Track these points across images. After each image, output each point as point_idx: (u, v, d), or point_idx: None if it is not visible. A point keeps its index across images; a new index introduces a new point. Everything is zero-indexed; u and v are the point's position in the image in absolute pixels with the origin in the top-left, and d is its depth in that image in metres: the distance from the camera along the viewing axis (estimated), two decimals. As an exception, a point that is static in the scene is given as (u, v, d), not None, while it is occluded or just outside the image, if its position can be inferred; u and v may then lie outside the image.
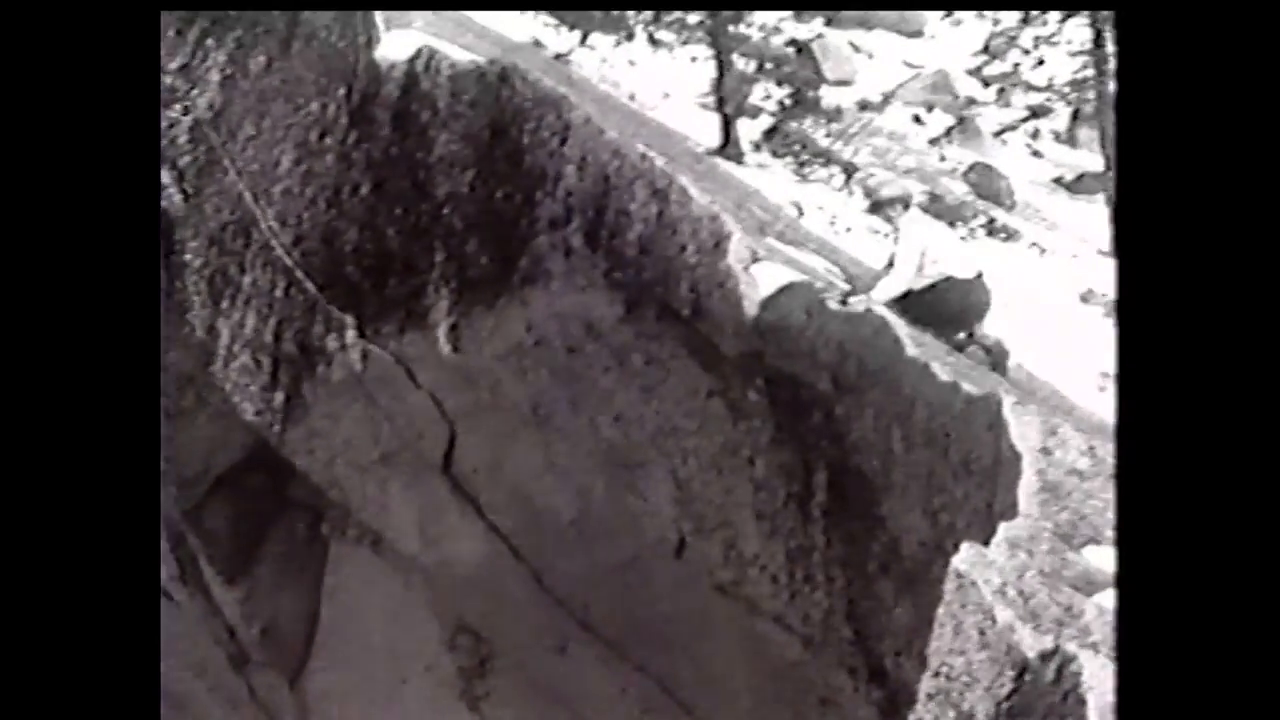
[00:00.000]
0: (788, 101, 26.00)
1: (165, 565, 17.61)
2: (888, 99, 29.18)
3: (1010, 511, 9.59)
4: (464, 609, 15.03)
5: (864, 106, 28.01)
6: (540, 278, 13.25)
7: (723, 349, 12.38)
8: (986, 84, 31.82)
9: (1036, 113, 31.24)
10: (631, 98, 22.12)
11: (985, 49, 31.63)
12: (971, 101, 30.79)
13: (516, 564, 14.26)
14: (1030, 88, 31.03)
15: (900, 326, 11.78)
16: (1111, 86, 23.80)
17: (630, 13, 24.65)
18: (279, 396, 15.02)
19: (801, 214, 19.78)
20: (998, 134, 30.26)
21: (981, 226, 23.58)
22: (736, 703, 12.98)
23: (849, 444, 11.76)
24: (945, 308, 12.75)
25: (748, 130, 23.35)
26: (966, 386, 10.90)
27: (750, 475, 12.39)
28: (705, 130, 21.99)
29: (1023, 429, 10.36)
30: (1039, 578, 8.53)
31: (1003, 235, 23.59)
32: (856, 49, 30.36)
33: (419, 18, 15.01)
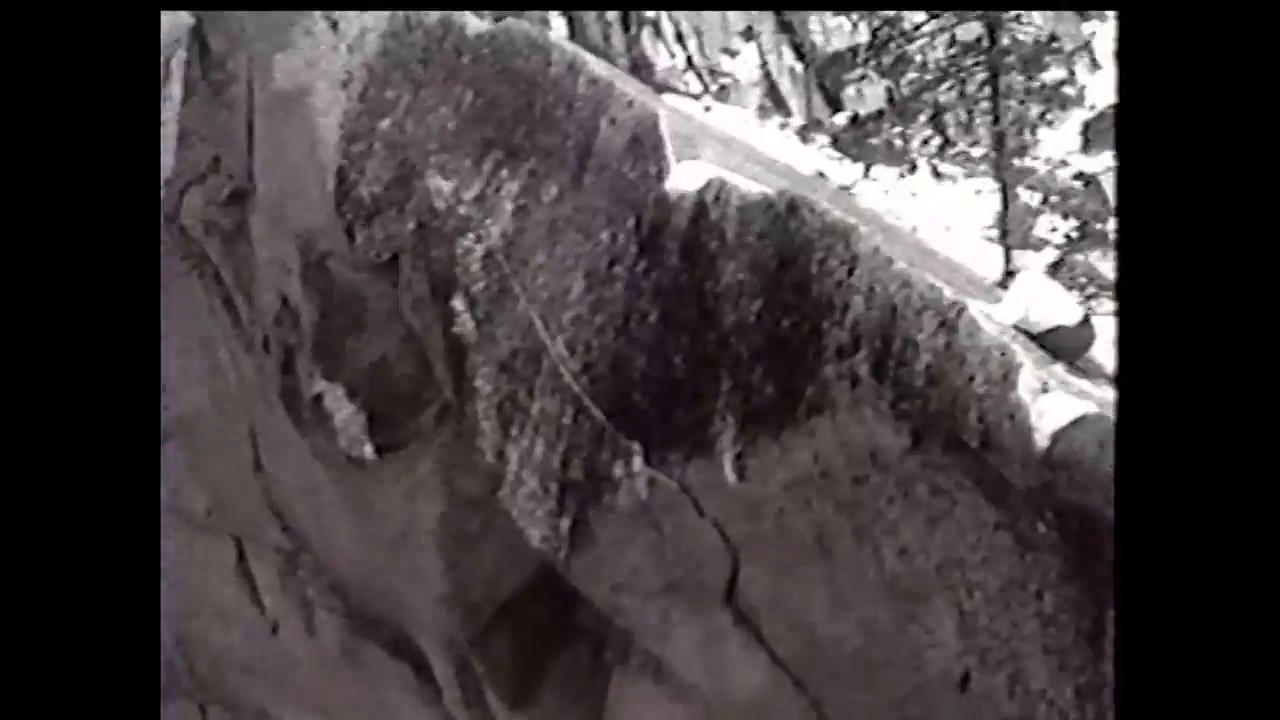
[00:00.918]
0: (1074, 234, 25.61)
1: (448, 689, 17.87)
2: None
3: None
4: (744, 740, 14.93)
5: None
6: (826, 407, 13.22)
7: (1011, 481, 12.18)
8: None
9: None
10: (914, 230, 22.06)
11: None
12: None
13: (798, 695, 14.13)
14: None
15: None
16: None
17: (914, 145, 24.63)
18: (565, 523, 15.19)
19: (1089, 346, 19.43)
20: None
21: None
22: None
23: (1144, 580, 11.43)
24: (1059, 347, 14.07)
25: (1033, 263, 23.05)
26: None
27: (1038, 609, 12.13)
28: (988, 263, 21.79)
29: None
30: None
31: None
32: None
33: (707, 149, 15.22)
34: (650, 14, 24.76)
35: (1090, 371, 13.97)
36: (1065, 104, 24.33)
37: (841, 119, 25.67)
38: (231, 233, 19.28)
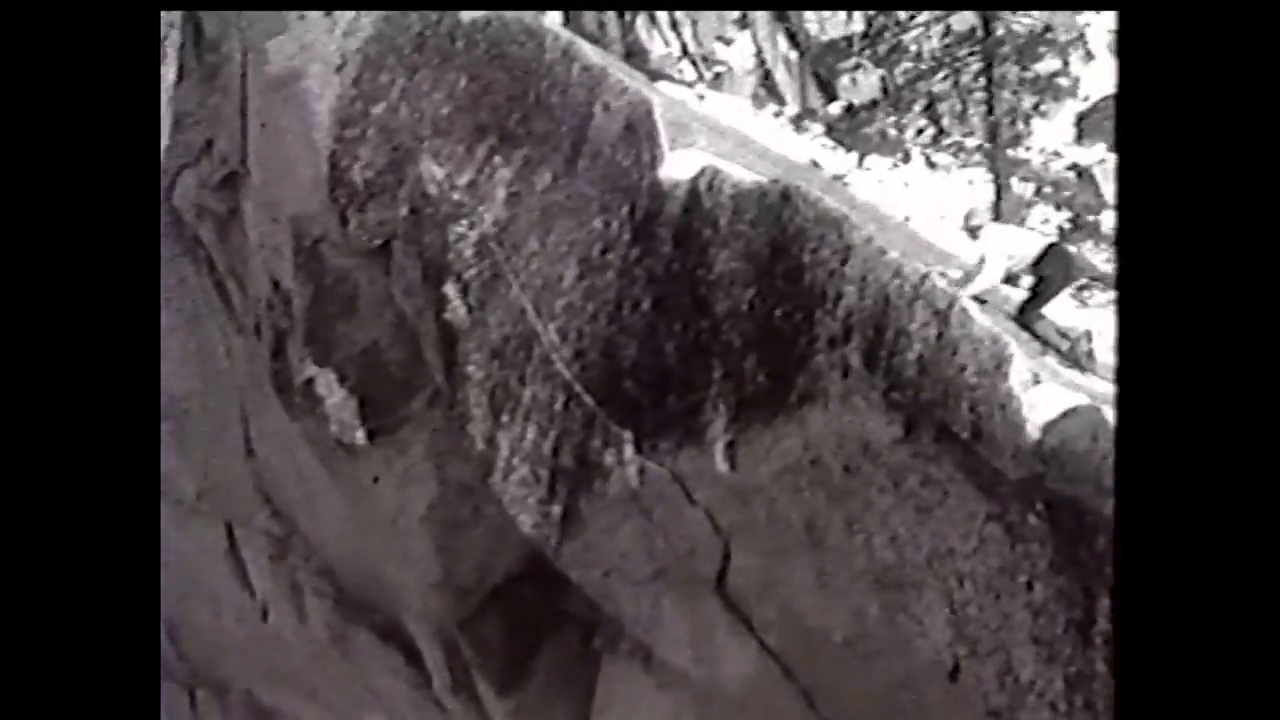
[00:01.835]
0: (1066, 226, 25.61)
1: (438, 675, 17.88)
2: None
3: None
4: (733, 728, 14.95)
5: (1145, 231, 27.49)
6: (818, 396, 13.24)
7: (1002, 471, 12.20)
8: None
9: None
10: (906, 219, 22.07)
11: None
12: None
13: (787, 683, 14.15)
14: None
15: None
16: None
17: (908, 135, 24.63)
18: (556, 510, 15.20)
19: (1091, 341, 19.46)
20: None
21: None
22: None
23: (1134, 571, 11.46)
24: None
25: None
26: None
27: (1028, 600, 12.16)
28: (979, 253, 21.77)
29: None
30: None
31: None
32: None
33: (701, 137, 15.21)
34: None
35: (1082, 361, 14.00)
36: (1059, 95, 24.33)
37: (836, 108, 25.60)
38: (224, 216, 19.25)
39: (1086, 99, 27.13)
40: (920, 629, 12.93)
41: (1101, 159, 28.43)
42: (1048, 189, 26.67)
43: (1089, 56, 28.00)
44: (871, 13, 23.89)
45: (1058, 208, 26.27)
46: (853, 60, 24.78)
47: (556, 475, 15.18)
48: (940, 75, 23.20)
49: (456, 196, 16.22)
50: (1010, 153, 23.61)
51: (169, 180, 19.29)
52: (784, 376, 13.48)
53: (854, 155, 24.23)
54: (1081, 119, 27.14)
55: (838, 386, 13.12)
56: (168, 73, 18.66)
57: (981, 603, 12.48)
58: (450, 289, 16.14)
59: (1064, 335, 14.30)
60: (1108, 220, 26.68)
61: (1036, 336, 13.95)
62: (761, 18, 26.37)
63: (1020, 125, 23.71)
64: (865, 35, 24.17)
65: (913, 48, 23.26)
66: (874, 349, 12.94)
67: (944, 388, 12.48)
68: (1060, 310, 15.42)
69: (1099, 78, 27.32)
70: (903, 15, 23.17)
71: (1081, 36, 27.87)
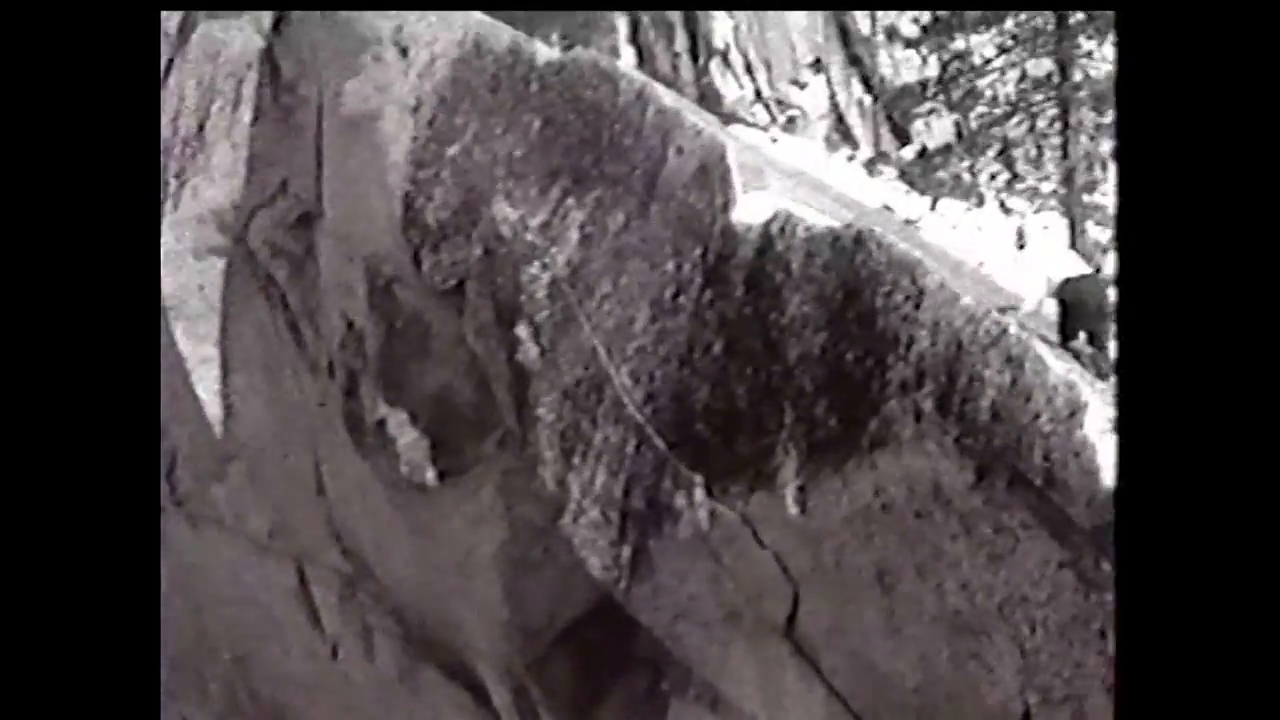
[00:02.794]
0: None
1: (506, 715, 17.87)
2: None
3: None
4: (801, 774, 14.85)
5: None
6: (890, 441, 13.18)
7: (1075, 519, 12.09)
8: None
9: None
10: (980, 265, 21.99)
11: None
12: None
13: (856, 729, 14.06)
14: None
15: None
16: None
17: (982, 179, 24.59)
18: (626, 552, 15.18)
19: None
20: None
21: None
22: None
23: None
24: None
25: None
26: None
27: (1101, 648, 12.02)
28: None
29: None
30: None
31: None
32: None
33: (774, 180, 15.21)
34: (719, 44, 24.83)
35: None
36: (1135, 140, 24.23)
37: (909, 152, 25.63)
38: (299, 256, 19.38)
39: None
40: (991, 676, 12.81)
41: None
42: (1123, 234, 26.50)
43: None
44: (946, 58, 23.91)
45: (1133, 253, 26.08)
46: (927, 105, 24.84)
47: (627, 518, 15.17)
48: (1015, 120, 23.21)
49: (529, 238, 16.28)
50: (1085, 197, 23.53)
51: (244, 219, 19.48)
52: (855, 421, 13.43)
53: (927, 199, 24.22)
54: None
55: (910, 432, 13.05)
56: (245, 113, 18.87)
57: (1054, 650, 12.36)
58: (522, 330, 16.19)
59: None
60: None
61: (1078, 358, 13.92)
62: (836, 62, 26.43)
63: (1096, 170, 23.65)
64: (940, 80, 24.21)
65: (988, 92, 23.28)
66: (946, 395, 12.87)
67: (1017, 434, 12.39)
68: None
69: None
70: (978, 60, 23.17)
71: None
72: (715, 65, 24.70)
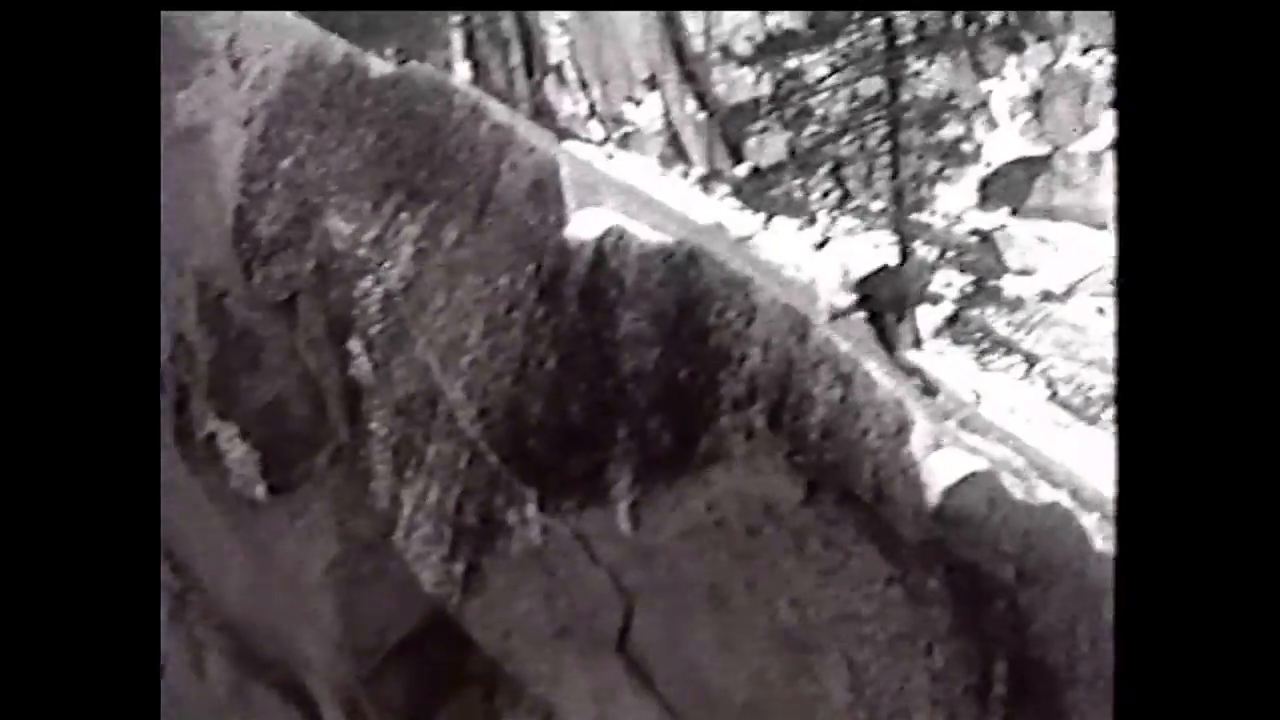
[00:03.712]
0: (969, 289, 25.92)
1: (338, 732, 17.72)
2: (1071, 290, 28.99)
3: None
4: (634, 789, 14.90)
5: (1046, 297, 27.84)
6: (723, 458, 13.29)
7: (903, 535, 12.29)
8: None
9: None
10: (812, 282, 22.25)
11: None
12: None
13: (688, 744, 14.14)
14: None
15: (1085, 518, 11.65)
16: None
17: (814, 197, 24.87)
18: (459, 567, 15.13)
19: (980, 401, 19.70)
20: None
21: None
22: None
23: (1031, 635, 11.58)
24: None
25: (929, 317, 23.30)
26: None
27: (928, 663, 12.23)
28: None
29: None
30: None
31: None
32: (1042, 240, 30.31)
33: (608, 197, 15.27)
34: (554, 59, 24.87)
35: (980, 429, 14.20)
36: (963, 160, 24.67)
37: (743, 170, 25.87)
38: (127, 268, 19.05)
39: (989, 165, 27.52)
40: (821, 691, 12.96)
41: (1003, 225, 28.85)
42: (951, 253, 27.02)
43: (992, 124, 28.41)
44: (780, 76, 24.15)
45: (961, 271, 26.63)
46: (760, 123, 25.06)
47: (459, 533, 15.12)
48: (846, 139, 23.49)
49: (362, 252, 16.15)
50: (914, 217, 23.89)
51: (72, 231, 19.09)
52: (689, 437, 13.52)
53: (761, 217, 24.47)
54: (985, 184, 27.55)
55: (742, 448, 13.17)
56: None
57: (882, 666, 12.54)
58: (355, 345, 16.06)
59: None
60: (1009, 285, 27.06)
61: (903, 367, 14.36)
62: (670, 78, 26.57)
63: (924, 190, 24.03)
64: (773, 98, 24.42)
65: (819, 111, 23.51)
66: (778, 411, 13.01)
67: (846, 451, 12.57)
68: (958, 370, 15.62)
69: (1001, 144, 27.70)
70: (810, 79, 23.41)
71: (985, 104, 28.32)
72: (550, 81, 24.73)
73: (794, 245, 24.17)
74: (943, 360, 21.83)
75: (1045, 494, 12.20)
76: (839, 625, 12.73)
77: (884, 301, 15.32)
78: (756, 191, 24.68)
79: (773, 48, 23.97)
